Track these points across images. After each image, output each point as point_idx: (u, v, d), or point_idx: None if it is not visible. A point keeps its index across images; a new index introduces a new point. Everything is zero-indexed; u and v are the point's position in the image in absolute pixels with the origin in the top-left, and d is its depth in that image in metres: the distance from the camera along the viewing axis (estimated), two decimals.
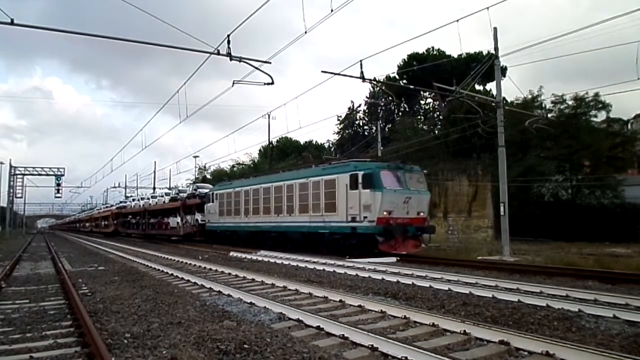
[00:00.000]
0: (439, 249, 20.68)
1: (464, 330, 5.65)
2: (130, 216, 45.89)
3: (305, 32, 14.03)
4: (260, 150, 55.89)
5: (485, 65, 21.50)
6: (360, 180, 17.10)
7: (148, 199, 44.60)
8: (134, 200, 48.25)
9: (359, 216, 17.03)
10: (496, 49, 20.69)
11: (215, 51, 14.28)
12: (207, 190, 30.87)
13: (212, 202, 28.35)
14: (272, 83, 15.29)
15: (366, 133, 48.28)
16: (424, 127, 40.82)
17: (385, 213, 16.44)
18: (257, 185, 23.96)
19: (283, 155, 51.71)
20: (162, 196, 40.43)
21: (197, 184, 37.82)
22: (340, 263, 14.18)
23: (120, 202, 53.40)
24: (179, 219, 33.24)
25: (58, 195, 54.21)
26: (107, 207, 61.69)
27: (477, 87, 28.97)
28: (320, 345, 5.22)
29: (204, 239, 29.81)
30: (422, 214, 17.73)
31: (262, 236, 23.20)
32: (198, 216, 30.56)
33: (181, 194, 35.84)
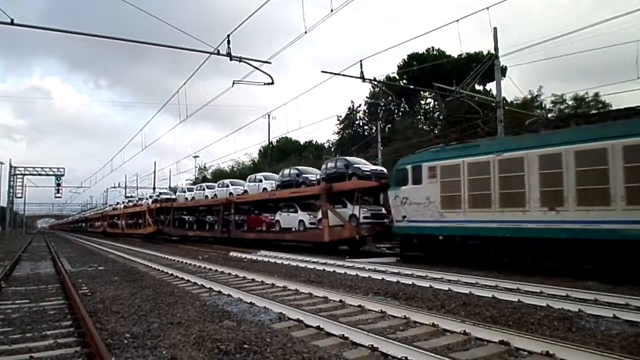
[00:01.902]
0: None
1: (464, 330, 5.65)
2: (185, 212, 33.94)
3: (305, 32, 14.03)
4: (260, 150, 55.91)
5: (485, 65, 21.53)
6: None
7: (202, 188, 32.07)
8: (187, 190, 35.97)
9: None
10: (496, 49, 20.71)
11: (215, 51, 14.29)
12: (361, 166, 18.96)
13: (413, 181, 15.28)
14: (272, 83, 15.30)
15: (366, 133, 48.27)
16: (424, 127, 40.82)
17: None
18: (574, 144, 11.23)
19: (283, 155, 51.68)
20: (260, 181, 25.24)
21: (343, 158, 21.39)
22: (340, 263, 14.18)
23: (160, 193, 40.82)
24: (307, 216, 20.57)
25: (58, 195, 54.32)
26: (132, 200, 48.58)
27: (477, 87, 29.01)
28: (320, 345, 5.22)
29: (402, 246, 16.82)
30: None
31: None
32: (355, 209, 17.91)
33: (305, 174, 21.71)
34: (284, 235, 22.20)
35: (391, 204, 16.20)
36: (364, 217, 17.61)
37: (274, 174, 25.98)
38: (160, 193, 40.35)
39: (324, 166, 20.72)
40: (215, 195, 29.12)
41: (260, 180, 25.16)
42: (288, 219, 21.84)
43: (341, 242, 18.85)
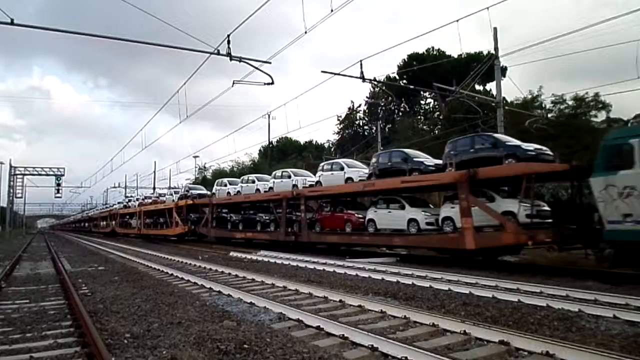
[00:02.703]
0: None
1: (464, 330, 5.65)
2: (226, 209, 28.32)
3: (305, 32, 14.06)
4: (260, 150, 55.91)
5: (485, 65, 21.54)
6: None
7: (250, 180, 26.21)
8: (229, 183, 28.58)
9: None
10: (496, 49, 20.73)
11: (215, 51, 14.31)
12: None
13: None
14: (272, 83, 15.34)
15: (366, 133, 48.29)
16: (424, 127, 40.80)
17: None
18: None
19: (283, 155, 51.67)
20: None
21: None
22: (340, 263, 14.17)
23: (189, 187, 35.14)
24: (421, 214, 15.59)
25: (58, 195, 54.31)
26: (148, 197, 43.83)
27: (477, 87, 29.01)
28: (320, 345, 5.22)
29: None
30: None
31: None
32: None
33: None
34: (391, 240, 16.42)
35: (598, 197, 10.93)
36: (528, 216, 12.62)
37: (356, 162, 22.15)
38: (190, 188, 34.74)
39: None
40: (271, 188, 23.58)
41: (343, 169, 19.61)
42: (389, 218, 16.45)
43: (494, 251, 14.12)
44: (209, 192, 31.51)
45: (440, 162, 15.66)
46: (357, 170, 19.31)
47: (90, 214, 75.15)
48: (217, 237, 27.95)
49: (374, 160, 18.29)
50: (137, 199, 46.80)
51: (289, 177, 22.74)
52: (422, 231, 15.09)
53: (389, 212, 16.62)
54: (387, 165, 17.11)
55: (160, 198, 39.05)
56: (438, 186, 16.16)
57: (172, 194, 36.48)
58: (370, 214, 17.39)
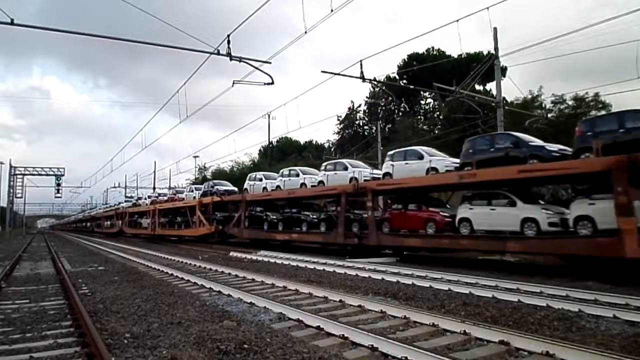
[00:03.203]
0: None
1: (464, 330, 5.65)
2: (259, 207, 25.19)
3: (305, 32, 14.05)
4: (260, 150, 55.91)
5: (485, 65, 21.55)
6: None
7: (294, 174, 22.94)
8: (264, 177, 25.63)
9: None
10: (496, 49, 20.74)
11: (215, 51, 14.31)
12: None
13: None
14: (272, 83, 15.33)
15: (366, 133, 48.29)
16: (424, 127, 40.81)
17: None
18: None
19: (283, 155, 51.67)
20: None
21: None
22: (340, 263, 14.18)
23: (214, 184, 31.38)
24: (542, 213, 12.83)
25: (58, 195, 54.25)
26: (162, 194, 41.26)
27: (477, 87, 29.01)
28: (320, 345, 5.22)
29: None
30: None
31: None
32: None
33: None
34: (504, 244, 13.32)
35: None
36: None
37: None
38: (215, 183, 31.29)
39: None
40: (321, 182, 20.48)
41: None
42: (492, 217, 13.70)
43: None
44: (236, 189, 29.21)
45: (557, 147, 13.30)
46: (441, 159, 16.61)
47: (93, 214, 72.30)
48: (250, 238, 24.87)
49: (467, 146, 15.38)
50: (149, 197, 43.60)
51: (346, 168, 19.68)
52: (544, 233, 12.33)
53: (492, 210, 13.78)
54: (489, 152, 14.23)
55: (178, 195, 35.57)
56: (570, 177, 13.01)
57: (192, 190, 33.33)
58: (464, 212, 14.53)
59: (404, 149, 19.13)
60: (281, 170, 24.57)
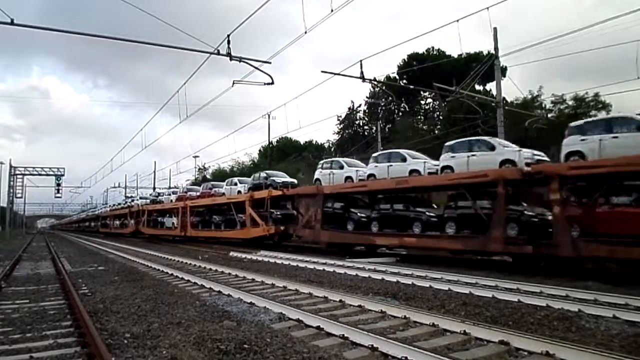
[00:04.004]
0: None
1: (464, 330, 5.65)
2: (337, 201, 19.77)
3: (305, 32, 14.07)
4: (260, 150, 55.97)
5: (485, 65, 21.56)
6: None
7: (398, 157, 17.71)
8: (346, 164, 20.62)
9: None
10: (496, 49, 20.77)
11: (215, 51, 14.32)
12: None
13: None
14: (272, 83, 15.36)
15: (366, 133, 48.31)
16: (424, 127, 40.84)
17: None
18: None
19: (283, 155, 51.70)
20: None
21: None
22: (340, 263, 14.18)
23: (268, 175, 25.23)
24: None
25: (58, 195, 54.27)
26: (192, 189, 35.64)
27: (477, 87, 29.02)
28: (320, 345, 5.23)
29: None
30: None
31: None
32: None
33: None
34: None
35: None
36: None
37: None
38: (269, 175, 25.19)
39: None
40: (447, 167, 15.48)
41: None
42: None
43: None
44: (295, 180, 25.16)
45: None
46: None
47: (97, 212, 67.40)
48: (331, 242, 19.34)
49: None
50: (173, 192, 38.56)
51: (493, 148, 14.64)
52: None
53: None
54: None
55: (216, 190, 29.74)
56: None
57: (235, 184, 27.54)
58: None
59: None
60: (375, 156, 19.46)
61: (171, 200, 35.99)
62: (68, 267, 15.00)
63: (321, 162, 21.53)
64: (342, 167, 19.02)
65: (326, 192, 19.62)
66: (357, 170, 18.45)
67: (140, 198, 46.18)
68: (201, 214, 30.53)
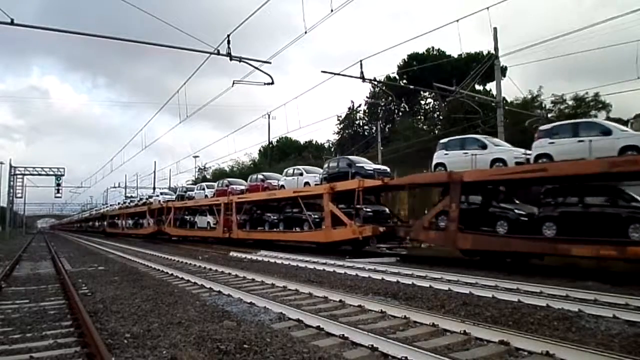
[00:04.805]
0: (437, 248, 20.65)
1: (464, 330, 5.65)
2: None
3: (306, 32, 14.08)
4: (260, 150, 55.95)
5: (485, 65, 21.56)
6: None
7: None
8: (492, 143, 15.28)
9: None
10: (496, 49, 20.76)
11: (215, 51, 14.32)
12: None
13: None
14: (272, 83, 15.35)
15: (366, 133, 48.28)
16: (424, 127, 40.84)
17: None
18: None
19: (283, 155, 51.68)
20: None
21: None
22: (340, 263, 14.18)
23: (354, 162, 19.87)
24: None
25: (58, 195, 54.26)
26: (261, 179, 25.84)
27: (477, 87, 29.02)
28: (320, 345, 5.22)
29: None
30: None
31: None
32: None
33: None
34: None
35: None
36: None
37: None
38: (353, 161, 19.81)
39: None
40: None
41: None
42: None
43: None
44: (387, 168, 19.71)
45: None
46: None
47: (103, 211, 61.62)
48: (474, 249, 14.50)
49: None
50: (208, 186, 32.20)
51: (484, 147, 14.80)
52: None
53: None
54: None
55: (270, 182, 24.42)
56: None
57: (301, 173, 22.00)
58: None
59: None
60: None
61: (206, 196, 30.14)
62: (68, 267, 14.99)
63: (445, 140, 16.44)
64: (485, 147, 14.62)
65: (466, 180, 14.21)
66: (509, 151, 14.34)
67: (162, 194, 40.13)
68: (249, 211, 25.61)
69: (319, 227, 19.30)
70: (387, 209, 19.34)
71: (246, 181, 27.68)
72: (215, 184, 30.37)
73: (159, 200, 37.54)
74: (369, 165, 19.43)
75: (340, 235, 17.84)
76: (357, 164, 19.23)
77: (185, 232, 32.07)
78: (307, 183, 21.21)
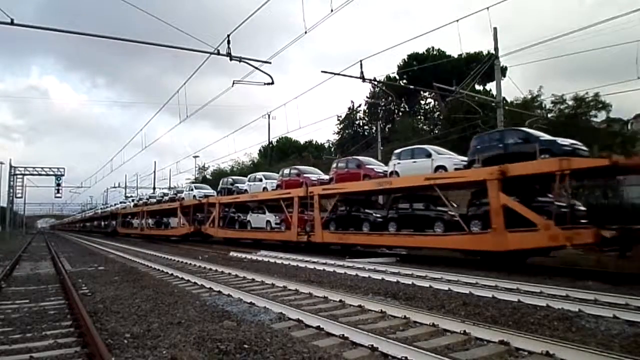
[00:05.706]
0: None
1: (464, 330, 5.65)
2: None
3: (306, 32, 14.08)
4: (260, 150, 55.99)
5: (485, 65, 21.57)
6: None
7: None
8: None
9: None
10: (496, 49, 20.76)
11: (215, 51, 14.32)
12: None
13: None
14: (272, 83, 15.36)
15: (366, 133, 48.33)
16: (424, 127, 40.87)
17: None
18: None
19: (283, 155, 51.70)
20: None
21: None
22: (340, 263, 14.17)
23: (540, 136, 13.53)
24: None
25: (58, 195, 54.27)
26: (355, 164, 19.18)
27: (477, 87, 29.04)
28: (320, 345, 5.22)
29: None
30: None
31: None
32: None
33: None
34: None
35: None
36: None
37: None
38: (537, 137, 13.57)
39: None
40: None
41: None
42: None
43: None
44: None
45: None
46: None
47: (112, 209, 55.78)
48: None
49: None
50: (265, 176, 26.00)
51: (429, 155, 15.76)
52: None
53: None
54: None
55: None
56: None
57: (429, 154, 15.95)
58: None
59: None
60: None
61: (265, 189, 24.39)
62: (68, 267, 14.99)
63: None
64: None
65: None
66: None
67: (196, 188, 33.40)
68: (334, 208, 19.71)
69: (455, 228, 14.07)
70: (581, 205, 13.54)
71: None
72: (279, 173, 24.53)
73: (194, 195, 31.11)
74: (564, 140, 13.16)
75: (524, 242, 11.96)
76: (541, 138, 13.37)
77: (235, 233, 26.00)
78: (440, 167, 15.28)
